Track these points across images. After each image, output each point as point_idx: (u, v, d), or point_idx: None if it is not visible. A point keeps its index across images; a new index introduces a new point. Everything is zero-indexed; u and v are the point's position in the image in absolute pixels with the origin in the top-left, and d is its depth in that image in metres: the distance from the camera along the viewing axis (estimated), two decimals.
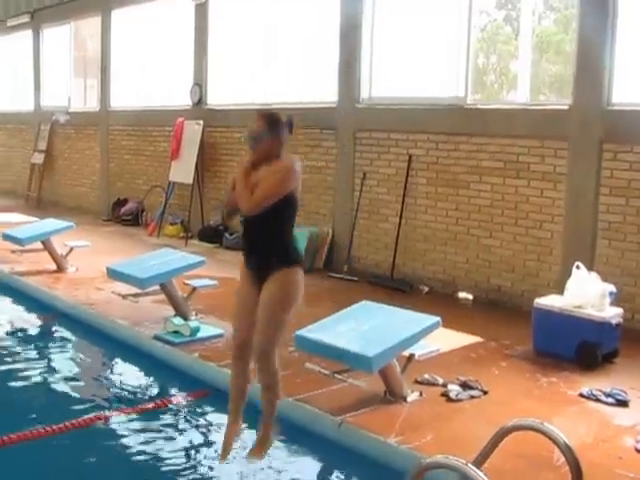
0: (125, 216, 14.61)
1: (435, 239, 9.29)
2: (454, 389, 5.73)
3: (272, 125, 4.44)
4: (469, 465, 2.86)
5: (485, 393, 5.72)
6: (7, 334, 7.72)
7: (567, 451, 3.26)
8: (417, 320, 5.63)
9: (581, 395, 5.74)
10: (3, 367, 6.72)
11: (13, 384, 6.23)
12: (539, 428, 3.34)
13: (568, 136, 7.89)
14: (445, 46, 9.44)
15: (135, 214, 14.58)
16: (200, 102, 13.04)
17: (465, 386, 5.79)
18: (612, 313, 6.50)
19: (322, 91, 10.89)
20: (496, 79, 10.18)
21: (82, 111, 16.88)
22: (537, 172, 8.20)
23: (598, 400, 5.64)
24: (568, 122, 7.89)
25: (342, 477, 4.74)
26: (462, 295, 8.92)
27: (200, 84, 13.03)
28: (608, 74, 7.65)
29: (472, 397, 5.63)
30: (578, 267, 6.67)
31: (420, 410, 5.38)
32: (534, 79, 8.91)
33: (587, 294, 6.51)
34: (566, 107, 7.98)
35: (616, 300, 6.67)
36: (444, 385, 5.81)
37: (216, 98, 12.96)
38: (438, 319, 5.62)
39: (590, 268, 6.90)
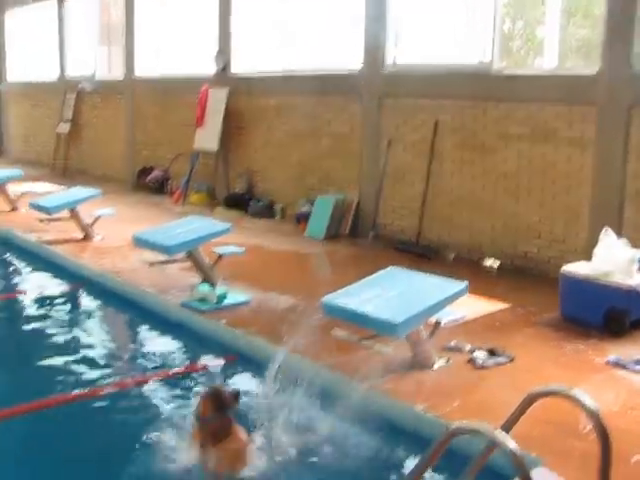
0: (150, 184, 14.65)
1: (461, 205, 9.25)
2: (480, 356, 5.71)
3: (218, 408, 4.25)
4: (497, 431, 2.86)
5: (511, 360, 5.71)
6: (36, 302, 7.81)
7: (595, 417, 3.24)
8: (444, 286, 5.61)
9: (608, 362, 5.72)
10: (33, 335, 6.84)
11: (43, 351, 6.33)
12: (567, 394, 3.32)
13: (596, 102, 7.79)
14: (471, 12, 9.33)
15: (160, 182, 14.61)
16: (225, 69, 12.99)
17: (491, 353, 5.78)
18: None
19: (347, 57, 10.80)
20: (522, 45, 10.05)
21: (107, 79, 16.88)
22: (564, 138, 8.11)
23: (625, 367, 5.61)
24: (596, 87, 7.78)
25: (369, 443, 4.71)
26: (488, 262, 8.88)
27: (224, 51, 12.97)
28: (638, 38, 7.51)
29: (498, 364, 5.63)
30: (606, 233, 6.60)
31: (447, 377, 5.39)
32: (561, 44, 8.79)
33: (615, 260, 6.44)
34: (594, 72, 7.85)
35: None
36: (470, 352, 5.81)
37: (240, 65, 12.90)
38: (465, 285, 5.60)
39: (618, 234, 6.82)
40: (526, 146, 8.47)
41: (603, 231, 6.63)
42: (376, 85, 10.21)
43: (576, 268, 6.73)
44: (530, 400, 3.43)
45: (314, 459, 4.50)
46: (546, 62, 8.77)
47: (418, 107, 9.67)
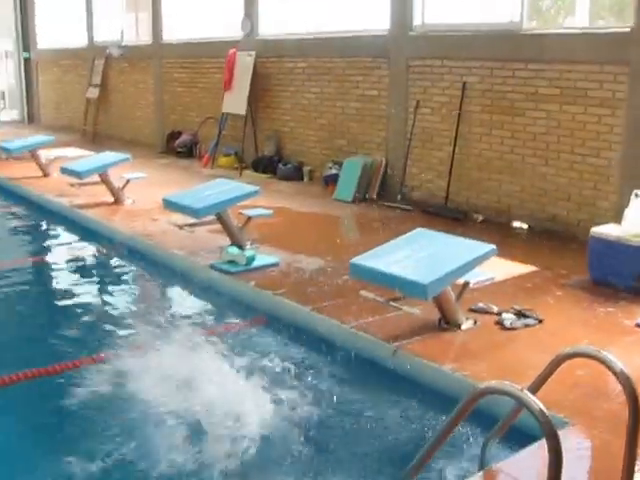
0: (179, 148, 14.72)
1: (489, 167, 9.20)
2: (509, 317, 5.72)
3: None
4: (524, 391, 2.86)
5: (540, 322, 5.70)
6: (67, 265, 7.93)
7: (624, 379, 3.22)
8: (472, 248, 5.60)
9: (638, 325, 5.68)
10: (66, 297, 6.96)
11: (75, 314, 6.46)
12: (596, 355, 3.30)
13: (629, 60, 7.65)
14: None
15: (189, 146, 14.67)
16: (251, 33, 12.95)
17: (520, 315, 5.78)
18: None
19: (374, 19, 10.71)
20: (552, 4, 9.88)
21: (135, 44, 16.90)
22: (595, 98, 8.01)
23: None
24: (630, 45, 7.64)
25: (396, 404, 4.78)
26: (516, 224, 8.85)
27: (251, 14, 12.92)
28: None
29: (527, 326, 5.62)
30: (637, 195, 6.54)
31: (474, 338, 5.41)
32: (593, 3, 8.63)
33: None
34: (627, 29, 7.72)
35: None
36: (499, 313, 5.81)
37: (267, 28, 12.86)
38: (493, 247, 5.58)
39: None
40: (555, 107, 8.38)
41: (633, 193, 6.57)
42: (404, 47, 10.13)
43: (606, 230, 6.68)
44: (558, 361, 3.42)
45: (343, 421, 4.55)
46: (577, 21, 8.63)
47: (446, 69, 9.59)
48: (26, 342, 5.79)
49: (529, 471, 3.66)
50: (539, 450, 3.59)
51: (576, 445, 3.97)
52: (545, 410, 2.72)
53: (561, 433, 2.78)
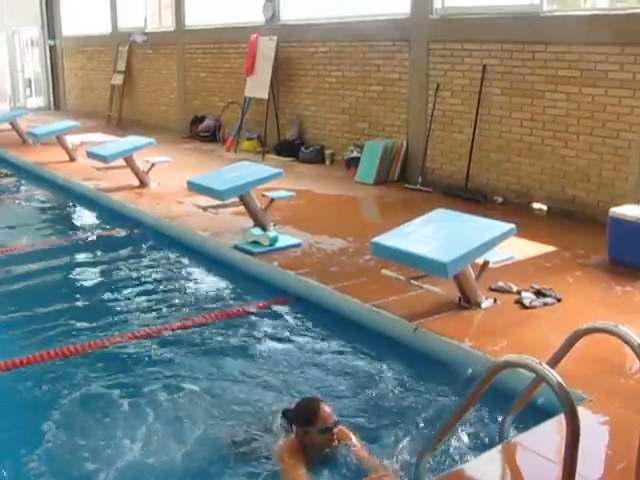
0: (203, 133, 14.83)
1: (509, 149, 9.24)
2: (528, 296, 5.79)
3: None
4: (543, 365, 2.90)
5: (559, 301, 5.76)
6: (94, 247, 8.05)
7: None
8: (492, 227, 5.65)
9: None
10: (94, 278, 7.11)
11: (101, 294, 6.58)
12: (614, 331, 3.33)
13: None
14: None
15: (212, 130, 14.78)
16: (273, 18, 13.01)
17: (539, 294, 5.84)
18: None
19: (395, 2, 10.75)
20: None
21: (158, 31, 17.02)
22: (615, 80, 8.02)
23: None
24: None
25: (417, 380, 4.84)
26: (536, 206, 8.90)
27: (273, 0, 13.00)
28: None
29: (546, 304, 5.69)
30: None
31: (494, 316, 5.48)
32: None
33: None
34: None
35: None
36: (518, 292, 5.88)
37: (289, 13, 12.92)
38: (513, 226, 5.63)
39: None
40: (575, 89, 8.39)
41: None
42: (424, 30, 10.16)
43: (625, 211, 6.71)
44: (577, 337, 3.43)
45: (363, 396, 4.65)
46: (598, 4, 8.63)
47: (466, 52, 9.62)
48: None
49: (547, 445, 3.71)
50: (557, 424, 3.66)
51: (594, 420, 4.01)
52: (564, 383, 2.77)
53: (579, 408, 2.82)
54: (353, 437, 3.91)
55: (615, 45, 7.99)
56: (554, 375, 2.82)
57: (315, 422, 3.73)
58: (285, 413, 3.92)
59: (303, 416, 3.79)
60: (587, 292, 6.05)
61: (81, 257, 7.82)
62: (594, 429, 3.93)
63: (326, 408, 3.81)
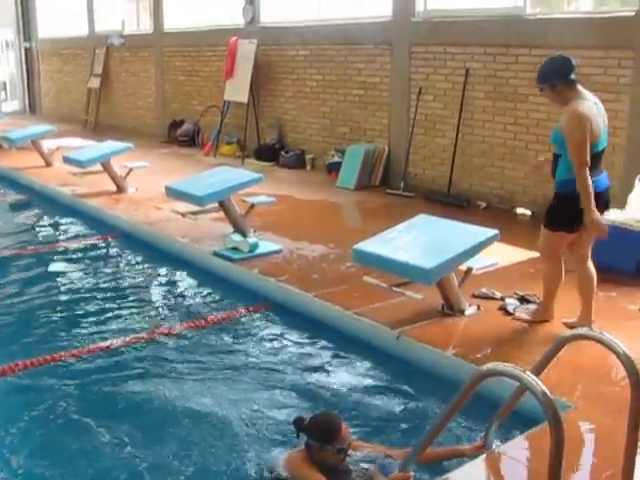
0: (182, 137, 14.70)
1: (493, 154, 9.17)
2: (512, 303, 5.73)
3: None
4: (527, 373, 2.86)
5: None
6: (71, 254, 7.92)
7: (627, 361, 3.22)
8: (475, 233, 5.59)
9: None
10: (69, 285, 6.97)
11: (79, 301, 6.46)
12: (598, 337, 3.30)
13: (634, 45, 7.61)
14: None
15: (191, 135, 14.66)
16: (253, 20, 12.91)
17: (523, 300, 5.79)
18: None
19: (377, 5, 10.68)
20: None
21: (136, 34, 16.87)
22: (599, 84, 7.95)
23: None
24: (634, 30, 7.60)
25: (400, 388, 4.79)
26: (520, 211, 8.84)
27: (253, 2, 12.87)
28: None
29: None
30: None
31: (478, 324, 5.41)
32: None
33: None
34: (632, 13, 7.69)
35: None
36: (502, 299, 5.82)
37: (269, 16, 12.82)
38: (496, 232, 5.58)
39: None
40: None
41: (637, 178, 6.56)
42: (406, 33, 10.09)
43: (609, 216, 6.64)
44: (561, 344, 3.42)
45: (344, 404, 4.57)
46: (582, 7, 8.61)
47: (448, 55, 9.56)
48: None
49: (532, 453, 3.68)
50: (542, 433, 3.58)
51: (579, 428, 3.98)
52: (548, 392, 2.72)
53: (564, 416, 2.77)
54: (368, 446, 3.87)
55: (598, 48, 7.95)
56: (537, 383, 2.78)
57: (334, 441, 3.61)
58: (298, 422, 3.79)
59: (323, 432, 3.65)
60: (571, 298, 5.96)
61: (56, 264, 7.66)
62: (579, 437, 3.92)
63: (346, 427, 3.70)
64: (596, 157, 5.04)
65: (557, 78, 5.06)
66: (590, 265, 5.23)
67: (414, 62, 10.05)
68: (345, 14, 11.27)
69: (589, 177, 4.87)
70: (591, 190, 4.86)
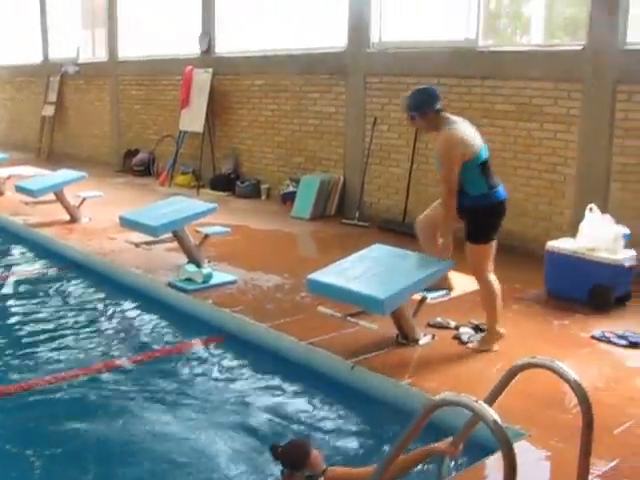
0: (136, 166, 14.58)
1: None
2: (466, 332, 5.75)
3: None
4: (480, 402, 2.85)
5: None
6: (22, 285, 7.78)
7: (578, 389, 3.24)
8: (429, 263, 5.61)
9: (593, 337, 5.75)
10: (18, 317, 6.81)
11: (28, 333, 6.33)
12: (549, 365, 3.31)
13: (582, 77, 7.76)
14: None
15: (146, 164, 14.56)
16: (209, 50, 12.93)
17: (477, 329, 5.81)
18: (625, 256, 6.45)
19: (331, 36, 10.76)
20: (509, 23, 9.99)
21: (91, 62, 16.77)
22: (550, 114, 8.11)
23: (610, 342, 5.65)
24: (582, 63, 7.75)
25: (355, 419, 4.77)
26: None
27: (208, 32, 12.89)
28: (623, 13, 7.48)
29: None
30: (591, 210, 6.62)
31: (432, 353, 5.41)
32: (548, 22, 8.77)
33: (600, 237, 6.47)
34: (580, 47, 7.84)
35: (629, 243, 6.60)
36: (456, 328, 5.84)
37: (225, 46, 12.84)
38: (450, 262, 5.62)
39: (603, 211, 6.82)
40: (511, 123, 8.46)
41: (588, 207, 6.65)
42: (361, 63, 10.18)
43: (561, 244, 6.75)
44: (513, 373, 3.42)
45: (299, 435, 4.51)
46: (533, 40, 8.76)
47: (403, 85, 9.62)
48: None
49: None
50: (495, 462, 3.61)
51: (533, 455, 4.01)
52: (499, 421, 2.72)
53: (517, 444, 2.77)
54: (346, 471, 3.76)
55: (549, 80, 8.09)
56: (489, 412, 2.76)
57: (303, 468, 3.54)
58: (273, 449, 3.73)
59: (292, 459, 3.58)
60: (525, 326, 6.05)
61: (5, 296, 7.51)
62: (533, 464, 3.93)
63: (316, 454, 3.62)
64: (485, 167, 5.44)
65: (427, 107, 5.46)
66: (489, 279, 5.55)
67: (369, 92, 10.12)
68: (300, 44, 11.31)
69: (454, 205, 5.38)
70: (454, 214, 5.41)
